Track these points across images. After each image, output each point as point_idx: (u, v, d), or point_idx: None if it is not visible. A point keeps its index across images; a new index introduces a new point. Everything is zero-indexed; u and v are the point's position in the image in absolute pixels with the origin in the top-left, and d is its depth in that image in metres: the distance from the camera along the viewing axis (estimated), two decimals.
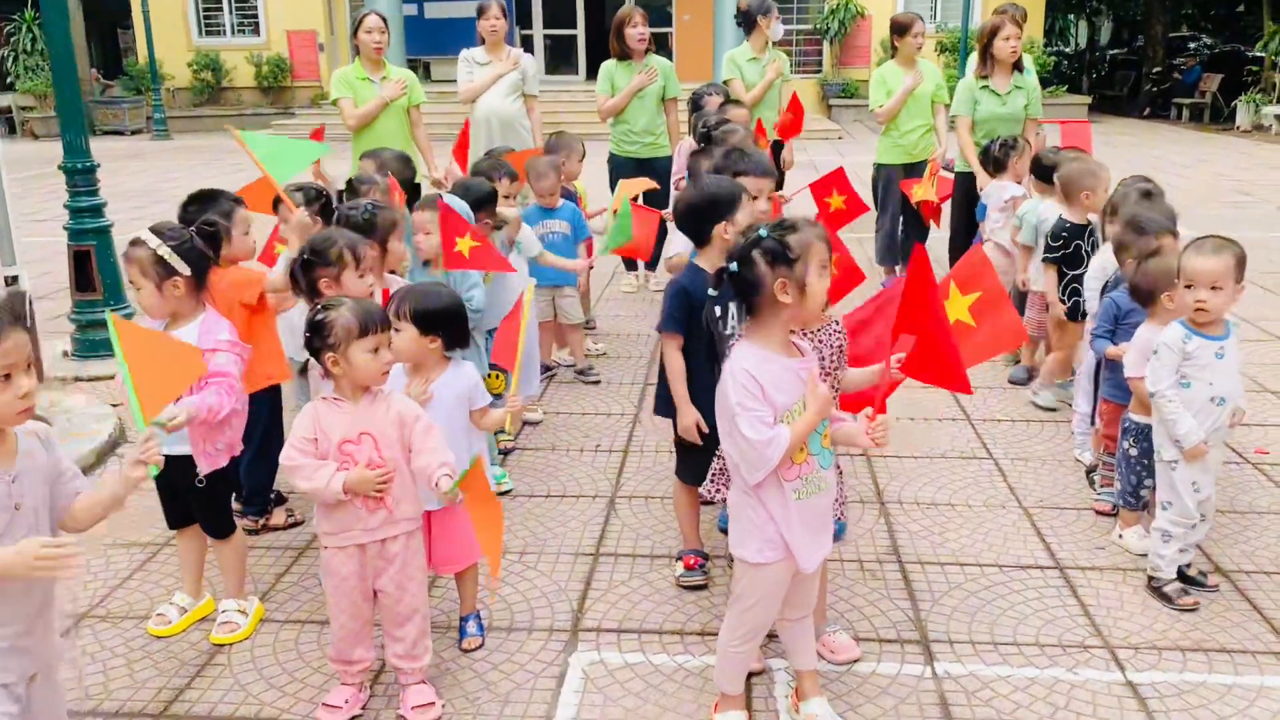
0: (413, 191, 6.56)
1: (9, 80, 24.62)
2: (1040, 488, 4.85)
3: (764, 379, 2.77)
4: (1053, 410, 5.77)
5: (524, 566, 4.13)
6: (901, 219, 8.59)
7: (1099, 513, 4.55)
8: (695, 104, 7.44)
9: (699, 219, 3.78)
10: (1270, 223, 11.40)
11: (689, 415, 3.66)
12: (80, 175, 6.65)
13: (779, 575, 2.94)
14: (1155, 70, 26.96)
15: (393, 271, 4.41)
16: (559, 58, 27.04)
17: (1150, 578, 3.90)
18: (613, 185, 7.89)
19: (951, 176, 7.95)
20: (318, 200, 4.73)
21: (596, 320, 7.69)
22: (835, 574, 4.04)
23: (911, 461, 5.15)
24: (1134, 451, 4.15)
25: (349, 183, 5.48)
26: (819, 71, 25.39)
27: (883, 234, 8.85)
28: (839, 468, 3.46)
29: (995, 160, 6.64)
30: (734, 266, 2.81)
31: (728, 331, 3.31)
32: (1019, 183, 6.53)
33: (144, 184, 15.75)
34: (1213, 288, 3.58)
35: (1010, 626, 3.69)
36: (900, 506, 4.66)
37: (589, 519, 4.55)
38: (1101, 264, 5.04)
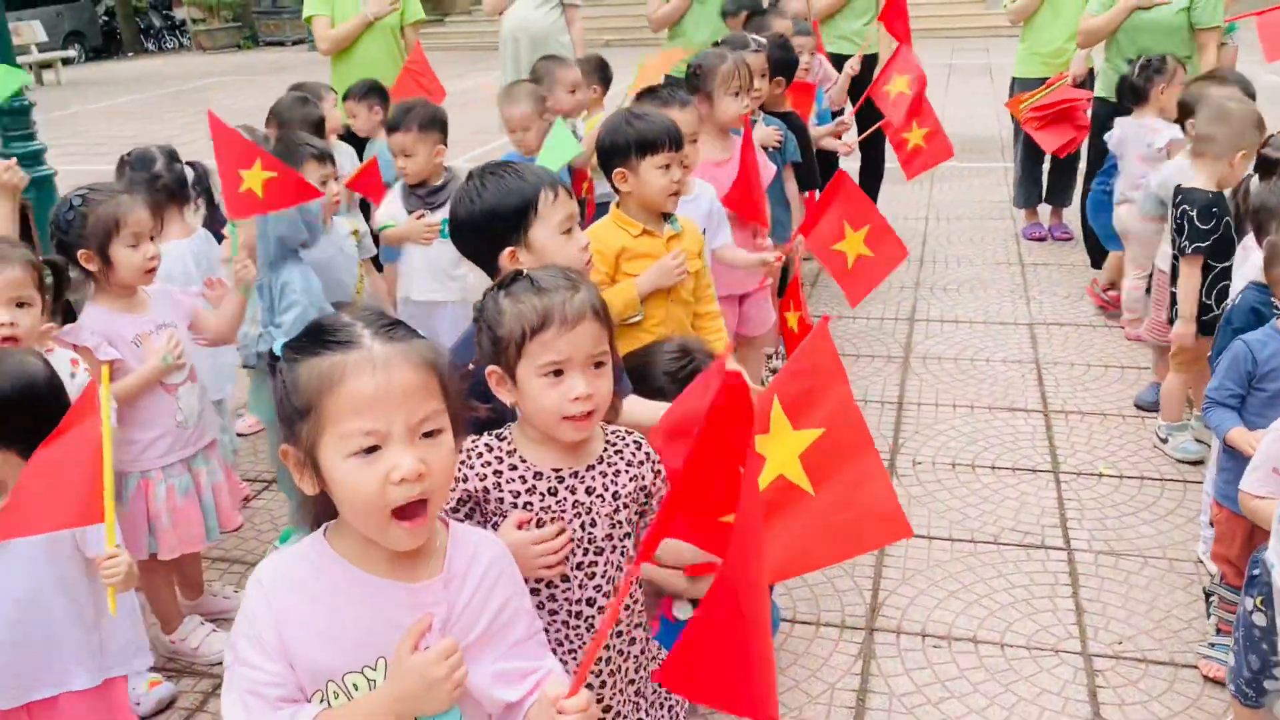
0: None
1: None
2: (1127, 613, 3.17)
3: (293, 616, 1.43)
4: (1194, 463, 3.97)
5: None
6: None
7: (1207, 678, 2.88)
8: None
9: (480, 240, 2.36)
10: None
11: None
12: (11, 118, 5.69)
13: None
14: None
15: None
16: None
17: None
18: None
19: (1072, 87, 5.96)
20: None
21: None
22: None
23: (944, 547, 3.56)
24: (1261, 620, 2.46)
25: None
26: None
27: (1017, 166, 6.96)
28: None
29: (1133, 88, 4.71)
30: None
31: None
32: (1170, 119, 4.58)
33: (251, 103, 15.10)
34: None
35: None
36: (894, 641, 3.11)
37: None
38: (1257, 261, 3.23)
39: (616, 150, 2.98)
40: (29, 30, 19.06)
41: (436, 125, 3.99)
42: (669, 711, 2.02)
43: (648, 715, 1.98)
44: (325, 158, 3.54)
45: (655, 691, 2.01)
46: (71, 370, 2.71)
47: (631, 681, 1.95)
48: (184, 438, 3.09)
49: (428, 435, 1.40)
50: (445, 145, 4.12)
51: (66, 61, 20.78)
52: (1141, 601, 3.23)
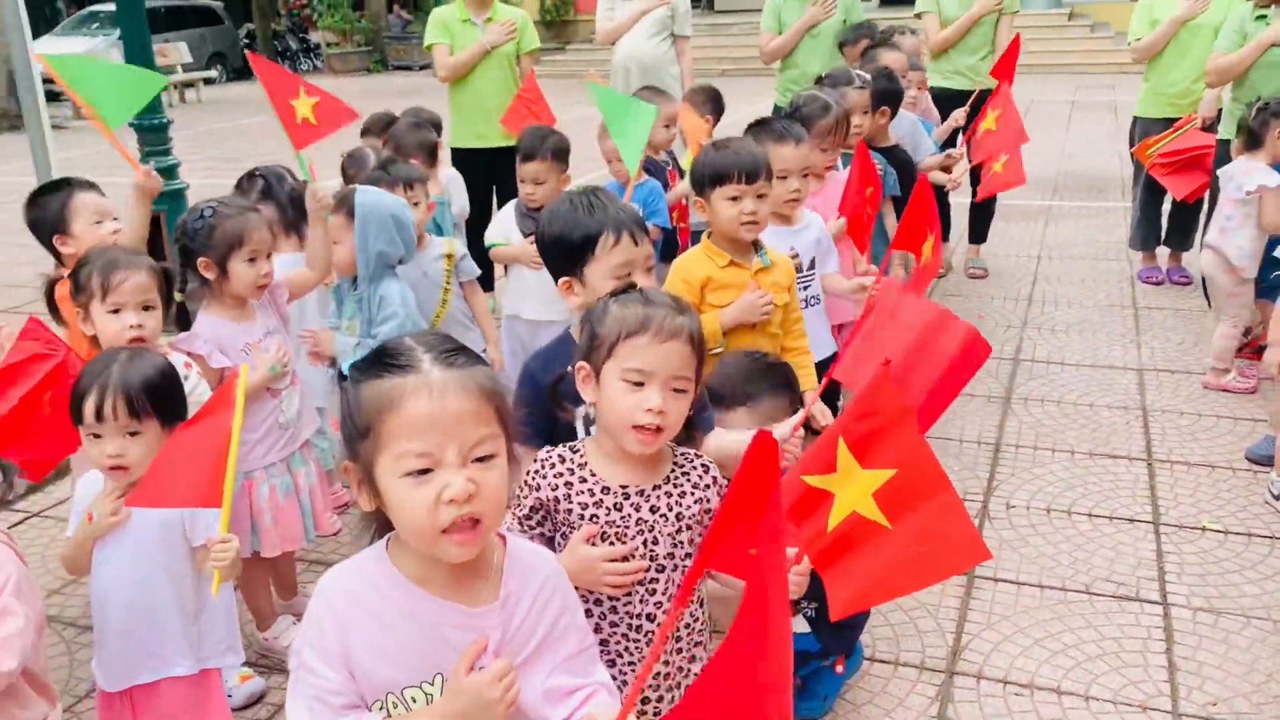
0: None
1: (316, 18, 25.85)
2: (1223, 674, 3.04)
3: (353, 628, 1.47)
4: None
5: None
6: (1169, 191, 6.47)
7: None
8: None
9: (551, 263, 2.48)
10: None
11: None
12: (150, 133, 6.03)
13: None
14: None
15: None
16: None
17: None
18: None
19: (1201, 131, 5.78)
20: None
21: None
22: None
23: (1033, 594, 3.47)
24: None
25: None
26: None
27: (1136, 207, 6.77)
28: None
29: (1248, 131, 4.55)
30: None
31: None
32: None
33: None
34: None
35: None
36: (974, 685, 3.05)
37: None
38: None
39: (695, 180, 3.05)
40: (175, 51, 20.10)
41: (564, 155, 4.17)
42: None
43: None
44: (402, 182, 3.70)
45: None
46: (185, 373, 2.86)
47: None
48: (284, 437, 3.23)
49: (481, 460, 1.44)
50: (568, 173, 4.25)
51: (208, 81, 21.83)
52: (1240, 663, 3.10)
